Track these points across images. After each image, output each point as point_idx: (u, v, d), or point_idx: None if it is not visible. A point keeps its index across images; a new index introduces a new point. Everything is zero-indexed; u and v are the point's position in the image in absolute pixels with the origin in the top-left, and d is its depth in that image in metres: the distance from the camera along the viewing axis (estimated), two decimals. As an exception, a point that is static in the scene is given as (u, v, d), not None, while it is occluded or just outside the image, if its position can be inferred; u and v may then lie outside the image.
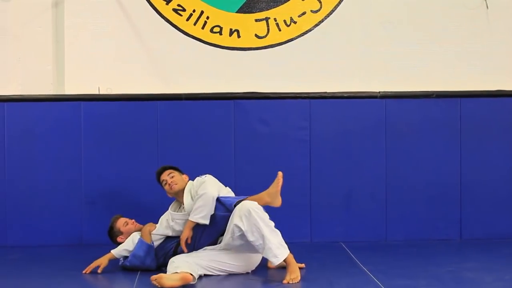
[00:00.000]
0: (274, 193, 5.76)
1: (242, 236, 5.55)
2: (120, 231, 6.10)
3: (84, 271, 5.86)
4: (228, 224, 5.67)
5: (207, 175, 5.95)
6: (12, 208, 6.85)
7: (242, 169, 6.80)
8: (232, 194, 5.97)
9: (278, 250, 5.49)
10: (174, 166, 6.14)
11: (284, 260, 5.53)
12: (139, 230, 6.10)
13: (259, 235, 5.48)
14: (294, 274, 5.49)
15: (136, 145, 6.90)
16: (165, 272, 5.53)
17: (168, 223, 5.97)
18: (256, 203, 5.62)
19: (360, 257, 6.25)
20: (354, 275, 5.71)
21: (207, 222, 5.72)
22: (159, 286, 5.30)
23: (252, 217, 5.50)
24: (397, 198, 6.95)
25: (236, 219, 5.56)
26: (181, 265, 5.53)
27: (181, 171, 6.11)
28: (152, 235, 5.96)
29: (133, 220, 6.15)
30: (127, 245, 5.96)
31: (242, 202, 5.64)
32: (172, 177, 6.00)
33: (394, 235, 6.95)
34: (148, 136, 6.90)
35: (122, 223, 6.12)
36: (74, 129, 6.87)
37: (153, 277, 5.36)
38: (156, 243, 5.94)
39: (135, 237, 5.98)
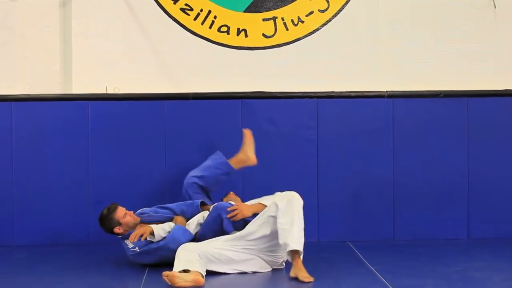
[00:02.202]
0: (246, 150, 6.18)
1: (274, 221, 5.59)
2: (119, 222, 6.05)
3: (130, 240, 5.89)
4: (263, 211, 5.73)
5: None
6: (19, 207, 6.86)
7: (249, 169, 6.79)
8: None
9: (298, 240, 5.51)
10: None
11: (293, 259, 5.53)
12: (137, 223, 6.07)
13: (290, 220, 5.53)
14: (302, 273, 5.49)
15: (144, 144, 6.90)
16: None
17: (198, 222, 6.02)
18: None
19: (367, 257, 6.24)
20: (361, 275, 5.70)
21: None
22: (169, 283, 5.29)
23: (293, 203, 5.61)
24: (404, 198, 6.94)
25: (278, 198, 5.65)
26: (194, 260, 5.49)
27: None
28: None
29: (131, 212, 6.13)
30: (164, 230, 5.91)
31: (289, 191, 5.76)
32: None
33: (402, 234, 6.94)
34: (155, 135, 6.90)
35: (121, 214, 6.05)
36: (81, 129, 6.87)
37: (165, 273, 5.34)
38: None
39: (171, 224, 5.97)
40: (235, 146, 6.77)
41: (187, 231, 5.90)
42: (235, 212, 5.86)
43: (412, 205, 6.94)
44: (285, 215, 5.58)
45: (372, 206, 6.94)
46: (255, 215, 5.82)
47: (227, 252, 5.67)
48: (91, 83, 6.98)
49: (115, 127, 6.90)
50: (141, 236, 5.84)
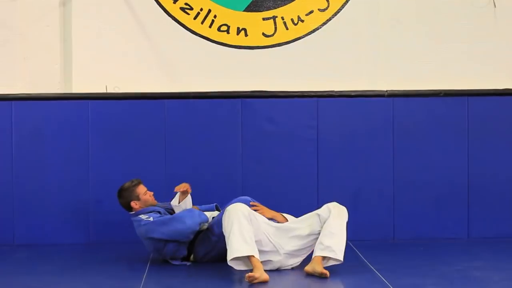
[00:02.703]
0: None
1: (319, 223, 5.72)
2: (138, 197, 6.08)
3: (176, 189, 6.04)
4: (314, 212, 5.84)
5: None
6: (19, 206, 6.86)
7: (249, 168, 6.80)
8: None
9: (336, 247, 5.61)
10: None
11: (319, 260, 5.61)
12: (154, 205, 6.12)
13: (340, 226, 5.67)
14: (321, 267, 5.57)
15: (144, 143, 6.90)
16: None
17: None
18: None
19: (367, 256, 6.24)
20: (361, 274, 5.70)
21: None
22: (257, 281, 5.33)
23: (343, 212, 5.77)
24: (404, 197, 6.94)
25: (331, 205, 5.81)
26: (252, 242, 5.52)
27: None
28: None
29: (152, 192, 6.17)
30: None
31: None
32: None
33: (402, 234, 6.94)
34: (155, 134, 6.90)
35: (143, 190, 6.11)
36: (81, 128, 6.87)
37: (249, 275, 5.35)
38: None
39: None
40: (235, 146, 6.78)
41: (203, 214, 5.94)
42: (258, 208, 5.90)
43: (412, 204, 6.94)
44: (336, 219, 5.66)
45: (372, 206, 6.94)
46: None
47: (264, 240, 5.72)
48: (91, 83, 6.98)
49: (115, 126, 6.90)
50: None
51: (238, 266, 5.51)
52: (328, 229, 5.65)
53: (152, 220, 5.93)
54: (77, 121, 6.87)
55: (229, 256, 5.46)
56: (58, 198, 6.86)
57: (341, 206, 5.83)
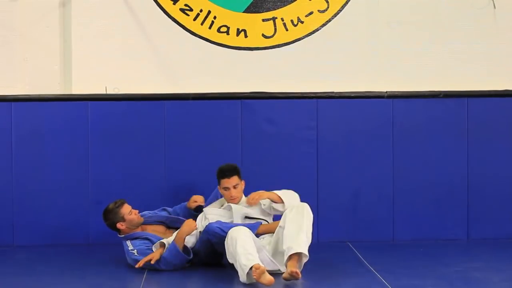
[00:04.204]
0: None
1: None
2: (123, 217, 6.07)
3: (137, 266, 5.83)
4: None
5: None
6: (19, 207, 6.86)
7: (249, 169, 6.79)
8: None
9: (304, 245, 5.55)
10: (238, 168, 6.17)
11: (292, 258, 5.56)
12: (140, 223, 6.11)
13: (297, 221, 5.62)
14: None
15: (143, 145, 6.90)
16: None
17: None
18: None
19: (367, 257, 6.24)
20: (361, 275, 5.71)
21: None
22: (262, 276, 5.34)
23: (303, 209, 5.68)
24: (404, 198, 6.94)
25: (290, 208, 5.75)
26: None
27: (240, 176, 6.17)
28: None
29: (137, 211, 6.14)
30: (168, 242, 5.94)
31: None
32: (236, 188, 6.07)
33: (401, 235, 6.94)
34: (155, 136, 6.90)
35: (127, 210, 6.08)
36: (81, 129, 6.87)
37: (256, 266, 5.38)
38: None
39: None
40: (235, 146, 6.78)
41: (179, 254, 5.83)
42: (255, 196, 5.97)
43: (411, 205, 6.95)
44: (290, 224, 5.62)
45: (371, 207, 6.94)
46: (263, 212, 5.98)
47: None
48: (90, 83, 6.98)
49: (114, 127, 6.90)
50: (150, 260, 5.81)
51: (250, 280, 5.48)
52: (284, 234, 5.62)
53: (136, 254, 5.93)
54: (76, 122, 6.87)
55: (241, 277, 5.46)
56: (57, 198, 6.86)
57: (299, 205, 5.78)
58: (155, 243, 5.95)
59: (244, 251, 5.43)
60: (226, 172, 6.08)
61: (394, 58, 7.07)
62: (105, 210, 6.15)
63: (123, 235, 6.10)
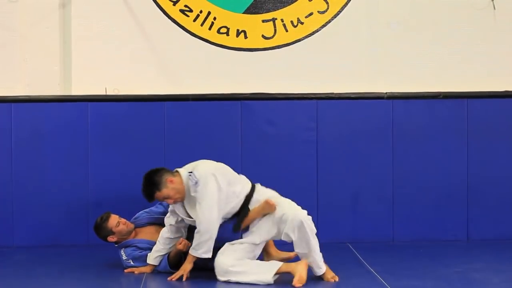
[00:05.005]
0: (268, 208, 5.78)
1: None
2: (111, 231, 6.07)
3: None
4: (271, 226, 5.70)
5: (198, 168, 5.82)
6: (19, 208, 6.86)
7: (248, 170, 6.76)
8: (241, 177, 5.94)
9: (321, 263, 5.62)
10: (150, 188, 5.83)
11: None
12: (131, 230, 6.10)
13: (307, 247, 5.56)
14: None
15: (143, 146, 6.90)
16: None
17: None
18: (306, 213, 5.64)
19: (367, 258, 6.24)
20: (361, 276, 5.71)
21: (210, 255, 5.65)
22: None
23: (303, 229, 5.54)
24: (404, 199, 6.94)
25: (289, 229, 5.56)
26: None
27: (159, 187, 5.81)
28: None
29: (125, 220, 6.13)
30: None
31: (296, 212, 5.60)
32: (166, 199, 5.79)
33: (401, 236, 6.94)
34: (155, 137, 6.90)
35: (114, 223, 6.07)
36: (81, 130, 6.87)
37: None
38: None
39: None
40: (235, 147, 6.78)
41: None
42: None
43: (411, 206, 6.95)
44: (300, 245, 5.57)
45: (371, 208, 6.94)
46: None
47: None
48: (90, 84, 6.98)
49: (114, 128, 6.90)
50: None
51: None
52: (299, 253, 5.63)
53: (131, 263, 5.97)
54: (76, 123, 6.87)
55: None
56: (57, 199, 6.86)
57: (295, 220, 5.56)
58: (142, 248, 6.00)
59: (255, 276, 5.54)
60: (146, 198, 5.87)
61: (394, 59, 7.07)
62: (94, 225, 6.17)
63: (117, 245, 6.12)
